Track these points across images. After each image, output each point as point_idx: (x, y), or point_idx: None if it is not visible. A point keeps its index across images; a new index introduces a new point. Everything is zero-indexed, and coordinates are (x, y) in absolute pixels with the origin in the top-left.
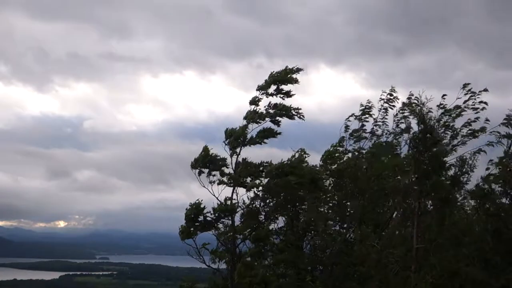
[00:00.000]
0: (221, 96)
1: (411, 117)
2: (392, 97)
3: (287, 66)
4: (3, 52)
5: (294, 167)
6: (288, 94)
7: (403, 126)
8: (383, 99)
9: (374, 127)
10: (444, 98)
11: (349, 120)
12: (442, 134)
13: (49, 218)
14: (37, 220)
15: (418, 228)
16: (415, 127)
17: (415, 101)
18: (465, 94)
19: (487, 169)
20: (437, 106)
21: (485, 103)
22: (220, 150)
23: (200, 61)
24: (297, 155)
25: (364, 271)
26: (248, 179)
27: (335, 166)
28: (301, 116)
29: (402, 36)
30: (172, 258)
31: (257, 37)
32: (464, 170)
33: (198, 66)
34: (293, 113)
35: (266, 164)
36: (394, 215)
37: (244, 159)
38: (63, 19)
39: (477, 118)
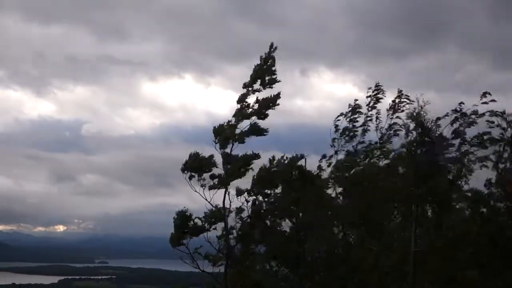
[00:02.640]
0: (219, 99)
1: (409, 120)
2: (378, 92)
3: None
4: (0, 56)
5: (281, 172)
6: (272, 82)
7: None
8: (370, 95)
9: (366, 122)
10: (461, 106)
11: (338, 120)
12: (450, 141)
13: (49, 222)
14: (36, 225)
15: (416, 231)
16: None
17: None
18: (483, 103)
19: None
20: (452, 110)
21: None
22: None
23: (198, 64)
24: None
25: (361, 276)
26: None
27: (348, 174)
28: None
29: (402, 39)
30: (171, 262)
31: (256, 40)
32: (462, 173)
33: (196, 69)
34: (274, 103)
35: (252, 155)
36: (393, 218)
37: (232, 155)
38: (60, 22)
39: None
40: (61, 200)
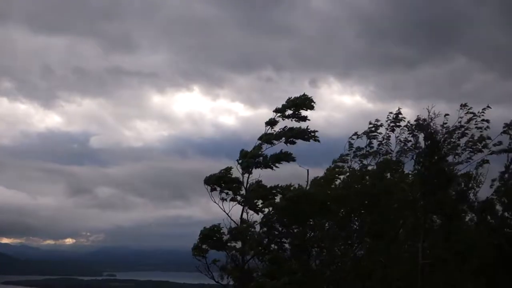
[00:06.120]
0: (227, 111)
1: (417, 131)
2: (398, 117)
3: (304, 93)
4: (7, 68)
5: (309, 194)
6: (304, 119)
7: (408, 142)
8: (390, 119)
9: (379, 146)
10: (447, 118)
11: (352, 139)
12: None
13: (59, 235)
14: (46, 238)
15: (424, 243)
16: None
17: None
18: (466, 113)
19: (491, 185)
20: (441, 126)
21: (487, 121)
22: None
23: (206, 75)
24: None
25: (370, 286)
26: (260, 202)
27: (337, 181)
28: (316, 139)
29: (411, 48)
30: (179, 274)
31: (265, 50)
32: (470, 185)
33: (205, 80)
34: (309, 135)
35: (279, 189)
36: (401, 230)
37: (258, 181)
38: (67, 34)
39: (481, 134)
40: (72, 213)
